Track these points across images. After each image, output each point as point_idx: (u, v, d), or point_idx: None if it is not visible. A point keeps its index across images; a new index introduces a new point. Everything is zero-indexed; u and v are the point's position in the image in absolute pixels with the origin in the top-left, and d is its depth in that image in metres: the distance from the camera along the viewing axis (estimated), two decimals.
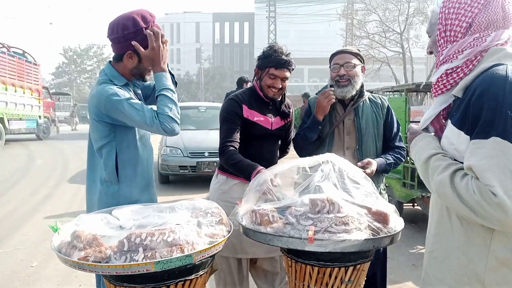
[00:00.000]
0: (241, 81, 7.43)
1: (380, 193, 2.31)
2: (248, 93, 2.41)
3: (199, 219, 1.55)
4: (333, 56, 2.41)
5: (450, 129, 1.22)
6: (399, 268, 3.90)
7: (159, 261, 1.31)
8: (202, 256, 1.41)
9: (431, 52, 1.38)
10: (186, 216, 1.53)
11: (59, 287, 3.53)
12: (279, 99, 2.42)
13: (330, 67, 2.42)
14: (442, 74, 1.26)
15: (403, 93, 5.64)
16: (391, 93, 6.33)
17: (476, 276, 1.17)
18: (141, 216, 1.53)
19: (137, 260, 1.32)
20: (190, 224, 1.49)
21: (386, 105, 2.45)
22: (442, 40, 1.26)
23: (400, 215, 1.76)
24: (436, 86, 1.30)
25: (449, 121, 1.25)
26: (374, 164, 2.23)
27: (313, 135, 2.37)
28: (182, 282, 1.43)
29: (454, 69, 1.23)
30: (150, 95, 2.20)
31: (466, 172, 1.13)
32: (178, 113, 1.89)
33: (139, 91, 2.15)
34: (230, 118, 2.32)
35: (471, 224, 1.19)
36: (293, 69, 2.33)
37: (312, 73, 46.48)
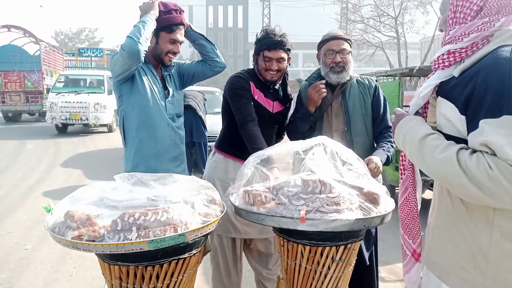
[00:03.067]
0: None
1: None
2: (251, 73, 2.40)
3: (193, 199, 1.56)
4: (325, 41, 2.37)
5: (445, 105, 1.23)
6: (390, 250, 3.97)
7: (152, 240, 1.32)
8: (196, 235, 1.43)
9: (441, 30, 1.36)
10: (181, 194, 1.54)
11: (53, 269, 3.55)
12: (280, 82, 2.42)
13: (322, 52, 2.39)
14: (444, 53, 1.26)
15: (396, 77, 5.65)
16: (384, 77, 6.34)
17: (481, 252, 1.18)
18: (135, 193, 1.54)
19: (131, 239, 1.33)
20: (183, 204, 1.51)
21: (374, 85, 2.44)
22: (451, 21, 1.25)
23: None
24: (436, 62, 1.29)
25: (442, 99, 1.25)
26: (375, 158, 2.15)
27: (305, 126, 2.38)
28: (176, 261, 1.45)
29: (458, 49, 1.22)
30: (194, 73, 2.46)
31: (473, 150, 1.10)
32: (139, 34, 2.06)
33: (168, 73, 2.36)
34: (242, 93, 2.30)
35: (473, 207, 1.18)
36: (289, 50, 2.31)
37: (306, 58, 46.20)
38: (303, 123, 2.39)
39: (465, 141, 1.16)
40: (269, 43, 2.25)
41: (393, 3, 19.25)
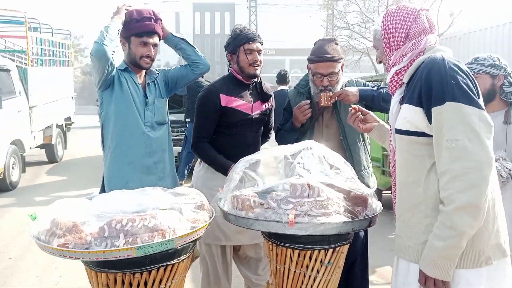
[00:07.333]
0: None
1: (365, 168, 2.41)
2: (226, 80, 2.39)
3: (180, 205, 1.55)
4: (314, 61, 2.34)
5: (404, 108, 1.50)
6: (379, 253, 3.99)
7: (140, 246, 1.31)
8: (184, 241, 1.42)
9: (380, 62, 1.71)
10: (168, 201, 1.54)
11: (38, 278, 3.49)
12: (258, 81, 2.42)
13: (310, 70, 2.38)
14: (394, 74, 1.57)
15: (382, 82, 5.72)
16: (370, 82, 6.42)
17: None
18: (122, 201, 1.52)
19: (118, 246, 1.32)
20: (171, 210, 1.50)
21: (361, 83, 2.50)
22: (388, 50, 1.58)
23: None
24: (391, 84, 1.60)
25: (403, 105, 1.51)
26: (350, 87, 2.33)
27: (293, 138, 2.38)
28: (164, 267, 1.44)
29: (402, 68, 1.55)
30: (177, 77, 2.50)
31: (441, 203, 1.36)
32: (103, 37, 2.18)
33: (152, 81, 2.41)
34: (204, 111, 2.33)
35: (428, 186, 1.43)
36: (262, 43, 2.36)
37: (293, 64, 46.34)
38: (290, 136, 2.40)
39: (420, 134, 1.43)
40: (248, 36, 2.29)
41: (378, 9, 19.53)
